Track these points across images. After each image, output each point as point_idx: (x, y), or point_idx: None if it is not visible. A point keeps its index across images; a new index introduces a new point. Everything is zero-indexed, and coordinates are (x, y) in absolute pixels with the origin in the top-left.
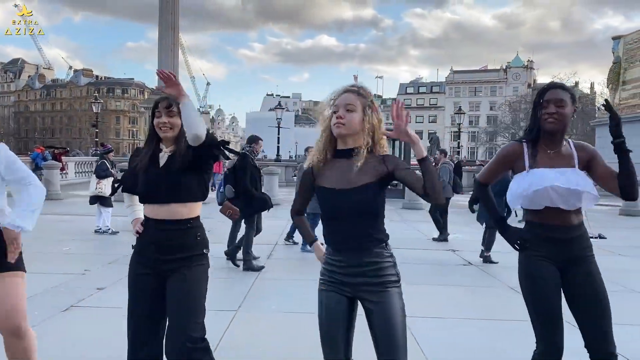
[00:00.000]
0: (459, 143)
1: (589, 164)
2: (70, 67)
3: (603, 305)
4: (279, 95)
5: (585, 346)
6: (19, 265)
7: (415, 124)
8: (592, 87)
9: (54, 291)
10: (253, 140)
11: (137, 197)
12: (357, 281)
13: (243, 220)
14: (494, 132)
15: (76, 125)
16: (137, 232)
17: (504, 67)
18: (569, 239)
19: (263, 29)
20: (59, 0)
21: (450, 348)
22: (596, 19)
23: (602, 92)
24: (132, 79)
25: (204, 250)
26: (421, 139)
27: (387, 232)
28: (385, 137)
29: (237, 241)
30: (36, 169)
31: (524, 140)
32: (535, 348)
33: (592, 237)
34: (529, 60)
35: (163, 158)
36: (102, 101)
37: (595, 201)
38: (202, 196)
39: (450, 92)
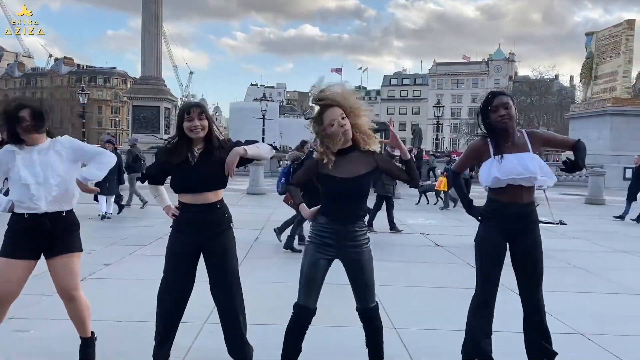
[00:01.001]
0: (437, 135)
1: (546, 144)
2: (50, 56)
3: (540, 268)
4: (264, 86)
5: (520, 294)
6: (77, 247)
7: (398, 116)
8: (571, 80)
9: None
10: (304, 143)
11: (161, 187)
12: (341, 244)
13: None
14: (475, 123)
15: (57, 114)
16: (174, 215)
17: (486, 60)
18: (520, 214)
19: (246, 18)
20: None
21: (410, 309)
22: (576, 11)
23: (580, 85)
24: (115, 68)
25: (230, 225)
26: (404, 130)
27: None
28: (373, 133)
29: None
30: None
31: (487, 137)
32: (472, 300)
33: (554, 223)
34: (510, 53)
35: (194, 157)
36: (88, 92)
37: (552, 181)
38: (226, 183)
39: (433, 84)
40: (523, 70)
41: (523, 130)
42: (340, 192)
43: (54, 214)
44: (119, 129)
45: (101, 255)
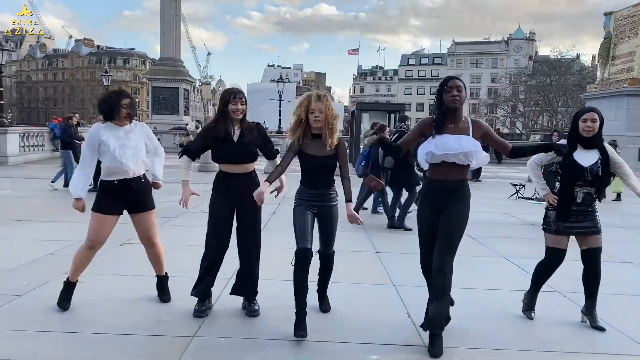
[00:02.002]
0: None
1: (485, 137)
2: (71, 37)
3: (453, 237)
4: (280, 66)
5: (434, 257)
6: (153, 205)
7: (416, 96)
8: (593, 59)
9: None
10: (404, 118)
11: (192, 163)
12: (319, 204)
13: (395, 188)
14: (493, 104)
15: (78, 95)
16: (185, 204)
17: (506, 39)
18: (449, 189)
19: None
20: None
21: (409, 271)
22: None
23: (598, 65)
24: (134, 49)
25: None
26: (422, 110)
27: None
28: (338, 129)
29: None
30: (54, 138)
31: (434, 117)
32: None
33: (532, 199)
34: (530, 32)
35: (235, 134)
36: (112, 74)
37: (486, 160)
38: (257, 157)
39: (452, 64)
40: (544, 50)
41: (469, 118)
42: (312, 166)
43: (137, 178)
44: (139, 110)
45: None
